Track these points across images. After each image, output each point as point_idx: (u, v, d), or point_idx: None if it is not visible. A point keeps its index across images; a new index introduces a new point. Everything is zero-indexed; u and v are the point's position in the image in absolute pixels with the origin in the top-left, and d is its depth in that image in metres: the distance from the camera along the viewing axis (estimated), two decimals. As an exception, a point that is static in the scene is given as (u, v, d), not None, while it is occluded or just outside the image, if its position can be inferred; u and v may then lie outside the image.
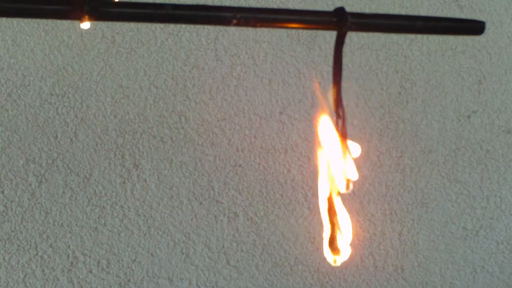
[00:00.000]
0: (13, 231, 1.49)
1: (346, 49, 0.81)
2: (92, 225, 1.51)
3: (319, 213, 1.65)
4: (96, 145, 1.49)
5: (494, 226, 1.62)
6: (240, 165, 1.54)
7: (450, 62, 1.59)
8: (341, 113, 0.78)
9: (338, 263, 0.77)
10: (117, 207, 1.51)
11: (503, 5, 1.61)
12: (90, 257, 1.51)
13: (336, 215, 0.76)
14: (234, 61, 1.53)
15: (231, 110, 1.53)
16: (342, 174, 0.75)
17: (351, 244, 0.77)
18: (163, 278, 1.54)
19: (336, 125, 0.78)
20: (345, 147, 0.76)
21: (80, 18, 0.74)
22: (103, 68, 1.50)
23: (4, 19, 1.46)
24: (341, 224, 0.76)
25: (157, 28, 1.51)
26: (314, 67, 1.55)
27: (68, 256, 1.51)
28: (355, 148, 0.76)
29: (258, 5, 1.55)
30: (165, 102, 1.51)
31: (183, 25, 1.50)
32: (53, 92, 1.48)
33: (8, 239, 1.49)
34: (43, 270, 1.50)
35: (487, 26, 0.93)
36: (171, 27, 1.51)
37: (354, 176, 0.75)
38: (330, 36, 1.54)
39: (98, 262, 1.51)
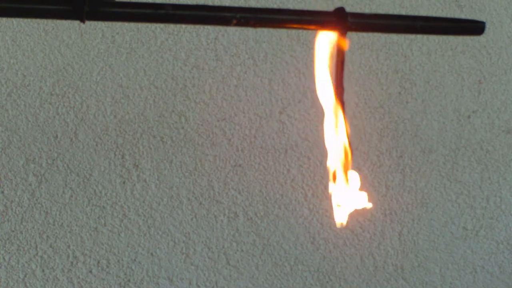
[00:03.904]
0: (13, 231, 1.49)
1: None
2: (92, 225, 1.51)
3: (319, 213, 1.66)
4: (96, 145, 1.49)
5: (494, 226, 1.62)
6: (240, 165, 1.54)
7: (450, 62, 1.59)
8: (342, 112, 0.78)
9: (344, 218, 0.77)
10: (117, 207, 1.51)
11: (503, 5, 1.61)
12: (90, 257, 1.51)
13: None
14: (234, 61, 1.53)
15: (231, 110, 1.53)
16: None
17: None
18: (163, 278, 1.54)
19: (337, 124, 0.78)
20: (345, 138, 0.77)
21: (80, 18, 0.74)
22: (103, 68, 1.50)
23: (4, 19, 1.46)
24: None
25: (157, 28, 1.51)
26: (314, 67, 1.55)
27: (68, 256, 1.51)
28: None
29: (258, 5, 1.55)
30: (165, 102, 1.51)
31: (183, 25, 1.50)
32: (53, 92, 1.48)
33: (8, 239, 1.49)
34: (43, 270, 1.50)
35: (487, 26, 0.93)
36: (171, 27, 1.51)
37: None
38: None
39: (98, 262, 1.51)
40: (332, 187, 0.78)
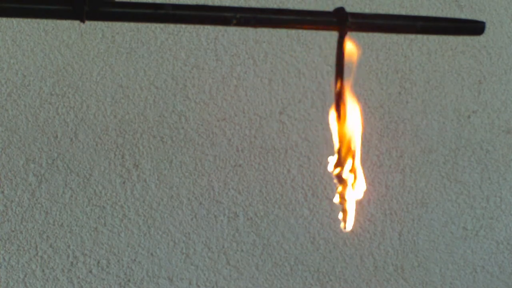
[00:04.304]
0: (13, 231, 1.49)
1: (346, 49, 0.81)
2: (92, 225, 1.51)
3: (319, 213, 1.66)
4: (96, 145, 1.49)
5: (494, 226, 1.62)
6: (240, 165, 1.54)
7: (450, 62, 1.59)
8: (342, 112, 0.78)
9: (348, 227, 0.78)
10: (117, 207, 1.51)
11: (503, 5, 1.61)
12: (90, 257, 1.51)
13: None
14: (234, 61, 1.53)
15: (231, 110, 1.53)
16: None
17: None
18: (163, 278, 1.54)
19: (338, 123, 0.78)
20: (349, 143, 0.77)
21: (80, 18, 0.74)
22: (103, 68, 1.50)
23: (4, 19, 1.46)
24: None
25: (157, 28, 1.51)
26: (314, 67, 1.56)
27: (68, 256, 1.51)
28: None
29: (258, 5, 1.55)
30: (165, 102, 1.51)
31: (183, 25, 1.50)
32: (53, 92, 1.48)
33: (8, 239, 1.49)
34: (43, 270, 1.50)
35: (487, 26, 0.93)
36: (171, 27, 1.51)
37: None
38: (330, 36, 1.54)
39: (98, 262, 1.51)
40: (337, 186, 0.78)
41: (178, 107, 1.51)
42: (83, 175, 1.49)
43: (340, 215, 0.79)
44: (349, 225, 0.78)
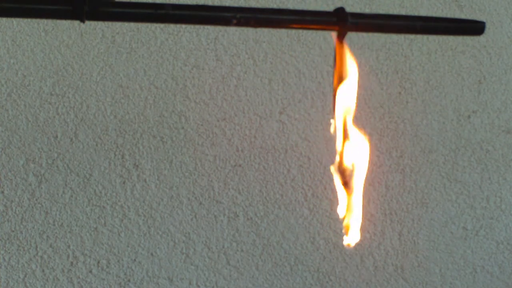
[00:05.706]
0: (13, 231, 1.49)
1: (346, 49, 0.81)
2: (92, 225, 1.51)
3: (319, 213, 1.66)
4: (96, 145, 1.49)
5: (494, 226, 1.62)
6: (240, 165, 1.54)
7: (450, 62, 1.59)
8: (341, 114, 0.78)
9: (351, 240, 0.78)
10: (117, 207, 1.51)
11: (503, 5, 1.61)
12: (90, 257, 1.51)
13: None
14: (234, 61, 1.53)
15: (231, 110, 1.53)
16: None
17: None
18: (163, 278, 1.54)
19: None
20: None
21: (80, 18, 0.74)
22: (103, 68, 1.50)
23: (4, 19, 1.46)
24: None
25: (157, 28, 1.51)
26: (314, 67, 1.56)
27: (68, 256, 1.51)
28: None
29: (258, 5, 1.55)
30: (165, 102, 1.51)
31: (183, 25, 1.50)
32: (53, 92, 1.48)
33: (8, 239, 1.49)
34: (43, 270, 1.50)
35: (487, 26, 0.93)
36: (171, 27, 1.51)
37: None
38: (330, 36, 1.53)
39: (98, 262, 1.51)
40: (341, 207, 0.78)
41: (178, 107, 1.51)
42: (83, 175, 1.49)
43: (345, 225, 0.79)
44: (353, 239, 0.78)
